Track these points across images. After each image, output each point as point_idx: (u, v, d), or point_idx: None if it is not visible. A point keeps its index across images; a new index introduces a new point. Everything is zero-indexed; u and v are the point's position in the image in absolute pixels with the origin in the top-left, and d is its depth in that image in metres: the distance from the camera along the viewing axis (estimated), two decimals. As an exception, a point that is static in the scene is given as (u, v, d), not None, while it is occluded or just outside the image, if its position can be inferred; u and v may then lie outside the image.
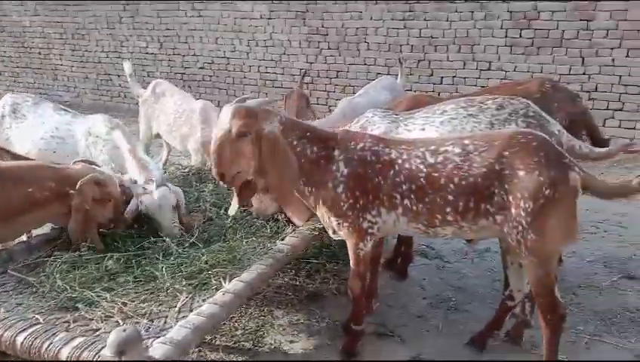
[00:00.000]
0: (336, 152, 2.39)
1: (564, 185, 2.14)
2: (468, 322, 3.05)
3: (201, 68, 8.56)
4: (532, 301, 2.75)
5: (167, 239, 2.62)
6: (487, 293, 3.38)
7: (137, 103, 4.87)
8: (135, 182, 2.96)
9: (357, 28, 7.14)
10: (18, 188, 2.43)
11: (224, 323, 3.06)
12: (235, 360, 2.77)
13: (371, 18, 7.00)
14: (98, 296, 2.09)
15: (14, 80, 10.47)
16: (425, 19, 6.65)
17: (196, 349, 2.78)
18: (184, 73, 8.67)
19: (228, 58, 8.28)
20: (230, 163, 2.24)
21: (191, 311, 2.08)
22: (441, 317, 3.12)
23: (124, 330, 1.53)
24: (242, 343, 2.91)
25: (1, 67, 10.53)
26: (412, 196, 2.32)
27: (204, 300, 2.15)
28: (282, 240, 2.73)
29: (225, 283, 2.28)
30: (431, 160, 2.30)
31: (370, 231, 2.44)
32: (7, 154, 2.86)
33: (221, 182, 2.31)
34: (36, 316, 1.90)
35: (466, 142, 2.28)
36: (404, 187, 2.33)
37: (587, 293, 3.28)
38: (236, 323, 3.08)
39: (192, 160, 4.11)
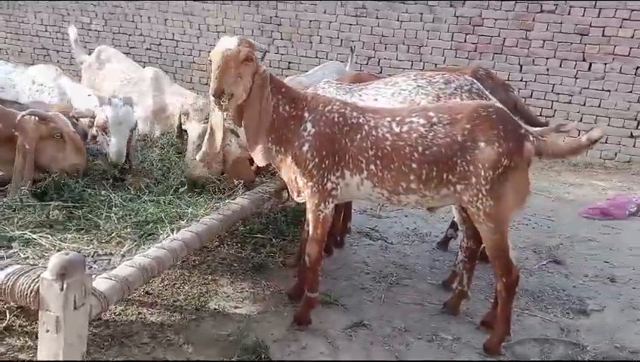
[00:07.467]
0: (306, 114, 2.45)
1: (519, 155, 2.30)
2: (407, 294, 3.16)
3: (147, 49, 8.29)
4: (469, 272, 2.89)
5: (112, 194, 2.50)
6: (426, 271, 3.51)
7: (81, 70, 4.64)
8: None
9: (310, 20, 7.20)
10: None
11: (165, 289, 3.00)
12: (177, 321, 2.69)
13: (325, 12, 7.09)
14: (37, 236, 1.96)
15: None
16: (377, 17, 6.82)
17: (136, 312, 2.70)
18: (129, 53, 8.31)
19: (177, 41, 8.08)
20: (231, 83, 2.29)
21: (136, 256, 2.00)
22: (383, 289, 3.20)
23: (67, 254, 1.45)
24: (185, 307, 2.84)
25: None
26: (378, 162, 2.39)
27: (149, 248, 2.08)
28: (233, 200, 2.69)
29: (173, 234, 2.21)
30: (397, 129, 2.38)
31: (333, 192, 2.49)
32: None
33: (213, 100, 2.31)
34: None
35: (431, 113, 2.38)
36: (370, 152, 2.39)
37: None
38: (178, 289, 3.00)
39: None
